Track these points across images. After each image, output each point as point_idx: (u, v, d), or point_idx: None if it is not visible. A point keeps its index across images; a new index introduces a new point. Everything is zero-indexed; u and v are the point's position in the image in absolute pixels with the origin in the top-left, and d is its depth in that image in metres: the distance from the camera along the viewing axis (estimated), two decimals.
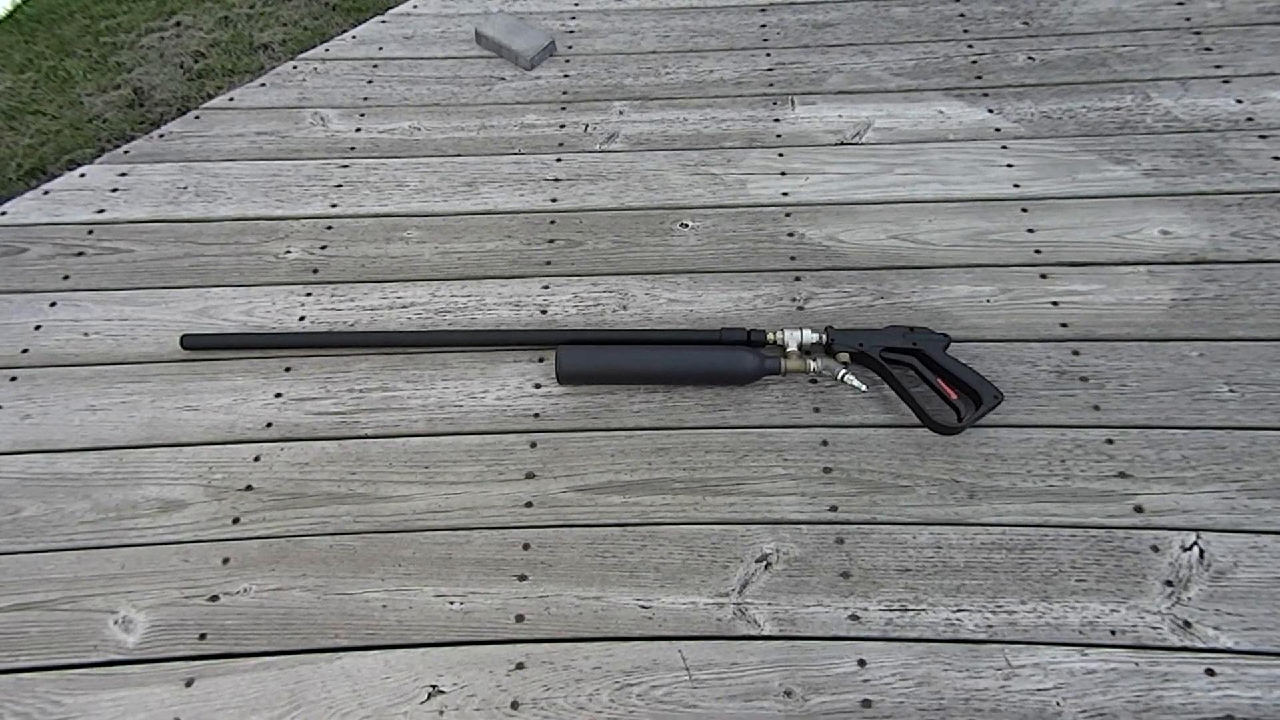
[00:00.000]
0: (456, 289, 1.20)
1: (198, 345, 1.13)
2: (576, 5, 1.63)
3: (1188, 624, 0.87)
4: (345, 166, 1.36)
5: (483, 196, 1.31)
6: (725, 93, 1.44)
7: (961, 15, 1.54)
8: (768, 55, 1.50)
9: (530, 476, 1.01)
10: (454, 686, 0.86)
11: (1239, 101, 1.35)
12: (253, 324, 1.16)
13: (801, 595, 0.91)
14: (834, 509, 0.97)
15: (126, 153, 1.41)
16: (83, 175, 1.37)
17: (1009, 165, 1.30)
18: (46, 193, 1.35)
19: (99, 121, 1.53)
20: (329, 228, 1.28)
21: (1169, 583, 0.90)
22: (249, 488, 1.01)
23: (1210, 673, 0.84)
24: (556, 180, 1.33)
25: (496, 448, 1.04)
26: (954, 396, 1.02)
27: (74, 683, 0.87)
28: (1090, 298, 1.14)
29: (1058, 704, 0.83)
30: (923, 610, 0.89)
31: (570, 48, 1.54)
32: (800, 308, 1.15)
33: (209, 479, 1.02)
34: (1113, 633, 0.87)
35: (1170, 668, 0.85)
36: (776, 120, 1.39)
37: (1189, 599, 0.89)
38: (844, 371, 1.04)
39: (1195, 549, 0.92)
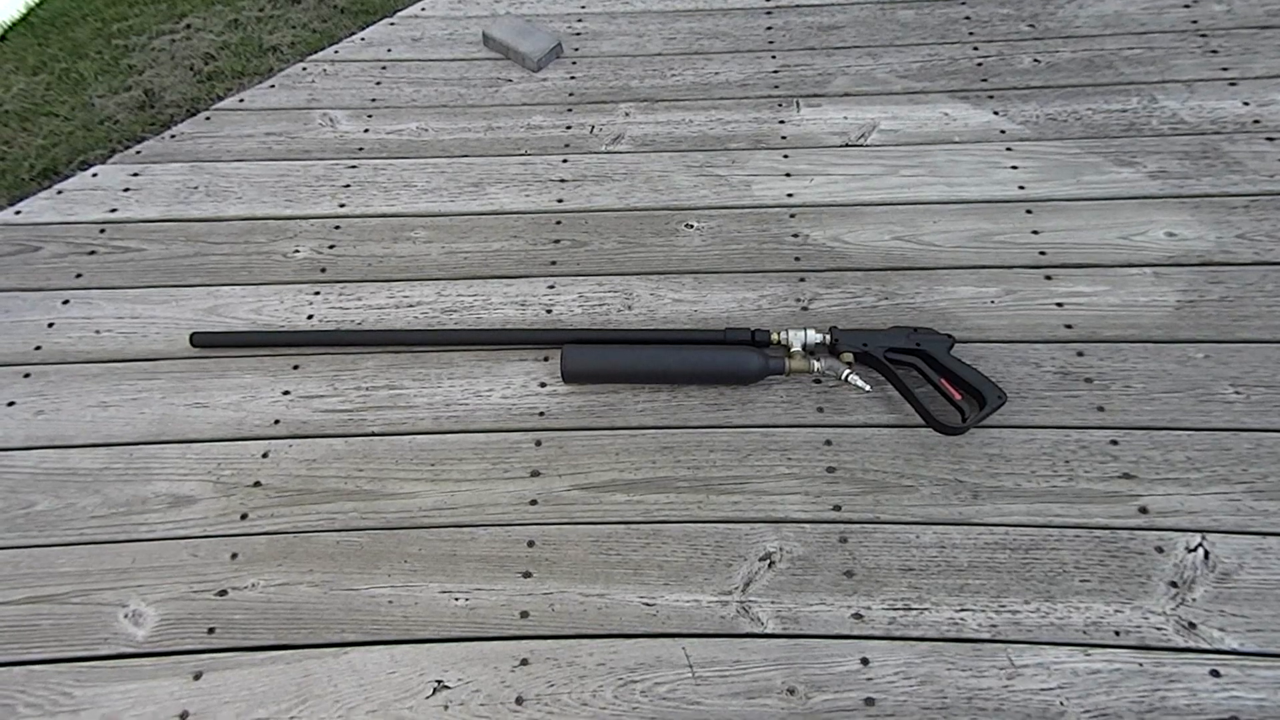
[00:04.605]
0: (463, 288, 1.21)
1: (207, 343, 1.15)
2: (583, 8, 1.64)
3: (1192, 625, 0.87)
4: (353, 167, 1.38)
5: (489, 197, 1.32)
6: (730, 94, 1.45)
7: (967, 18, 1.55)
8: (773, 57, 1.50)
9: (535, 474, 1.02)
10: (459, 682, 0.87)
11: (1245, 104, 1.35)
12: (261, 322, 1.17)
13: (805, 594, 0.91)
14: (838, 508, 0.97)
15: (138, 153, 1.43)
16: (95, 175, 1.39)
17: (1014, 167, 1.30)
18: (59, 192, 1.37)
19: (111, 123, 1.55)
20: (337, 227, 1.29)
21: (1173, 584, 0.90)
22: (257, 484, 1.02)
23: (1215, 674, 0.84)
24: (562, 181, 1.34)
25: (502, 445, 1.04)
26: (958, 397, 1.02)
27: (84, 675, 0.88)
28: (1095, 299, 1.14)
29: (1061, 704, 0.83)
30: (926, 609, 0.90)
31: (577, 50, 1.55)
32: (804, 308, 1.16)
33: (218, 475, 1.03)
34: (1117, 633, 0.87)
35: (1175, 669, 0.85)
36: (782, 122, 1.40)
37: (1194, 600, 0.89)
38: (848, 372, 1.05)
39: (1200, 550, 0.92)
